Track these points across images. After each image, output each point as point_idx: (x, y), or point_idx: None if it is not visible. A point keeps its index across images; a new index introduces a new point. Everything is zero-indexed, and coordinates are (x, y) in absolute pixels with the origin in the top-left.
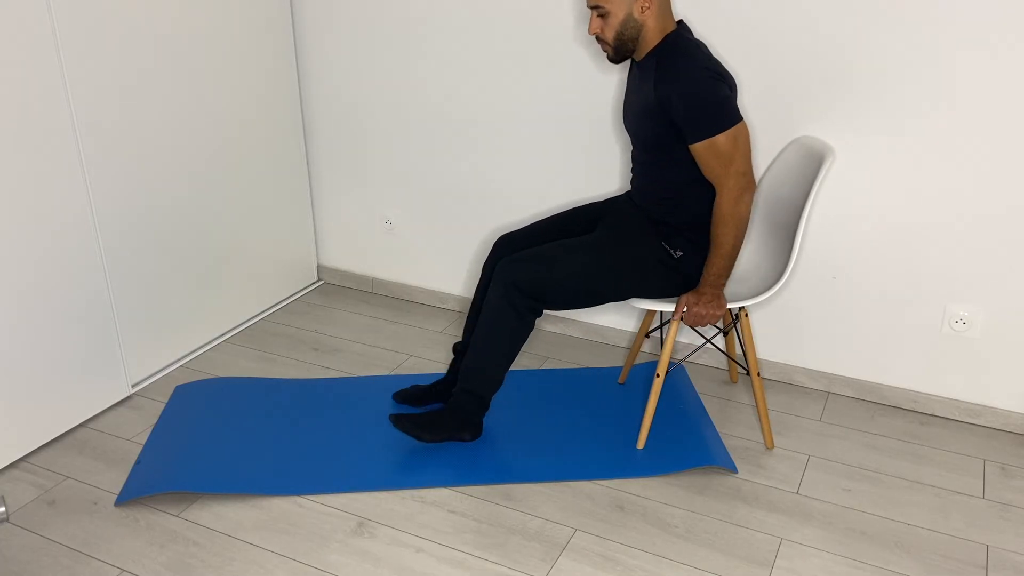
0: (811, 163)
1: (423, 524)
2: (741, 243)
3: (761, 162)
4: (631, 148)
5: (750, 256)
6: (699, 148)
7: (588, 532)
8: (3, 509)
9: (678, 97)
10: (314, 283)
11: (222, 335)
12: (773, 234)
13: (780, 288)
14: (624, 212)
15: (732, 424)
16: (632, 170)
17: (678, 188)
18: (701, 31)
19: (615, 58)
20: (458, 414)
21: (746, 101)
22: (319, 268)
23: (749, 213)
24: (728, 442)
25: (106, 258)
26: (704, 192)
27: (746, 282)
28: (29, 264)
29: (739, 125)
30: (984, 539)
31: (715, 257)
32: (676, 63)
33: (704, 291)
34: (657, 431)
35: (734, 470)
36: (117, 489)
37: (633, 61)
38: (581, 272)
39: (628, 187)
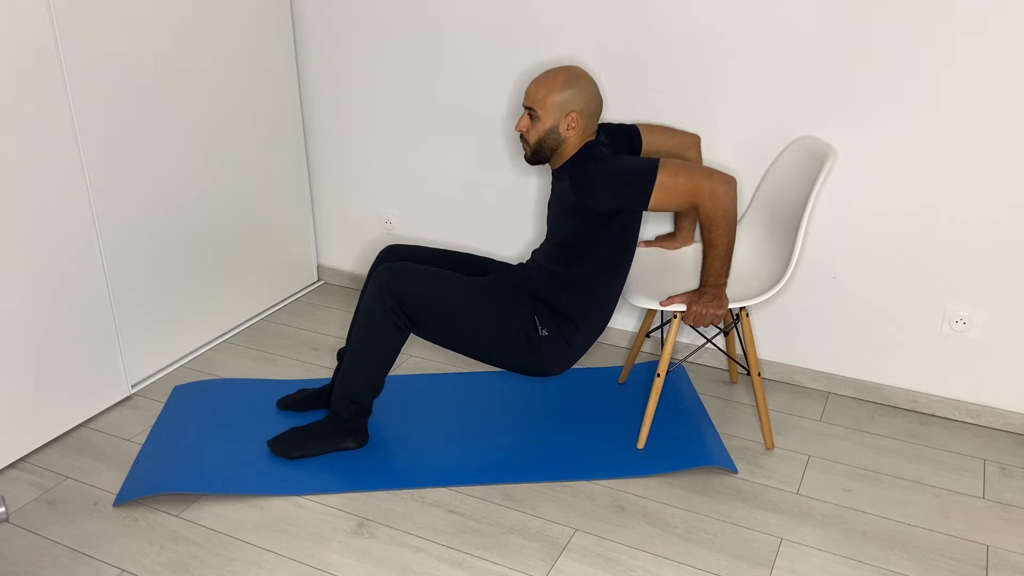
0: (812, 164)
1: (423, 524)
2: (734, 240)
3: (762, 163)
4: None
5: (750, 256)
6: (656, 201)
7: (588, 532)
8: (3, 509)
9: (605, 190)
10: (314, 283)
11: (222, 335)
12: (773, 234)
13: (781, 288)
14: (514, 277)
15: (732, 424)
16: (538, 248)
17: (569, 280)
18: (701, 32)
19: (531, 159)
20: (338, 423)
21: (747, 102)
22: (319, 268)
23: (735, 206)
24: (728, 442)
25: (106, 258)
26: (593, 296)
27: (747, 282)
28: (29, 264)
29: (662, 160)
30: (984, 539)
31: (710, 258)
32: (587, 168)
33: (705, 290)
34: (657, 431)
35: (734, 470)
36: (117, 489)
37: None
38: (450, 307)
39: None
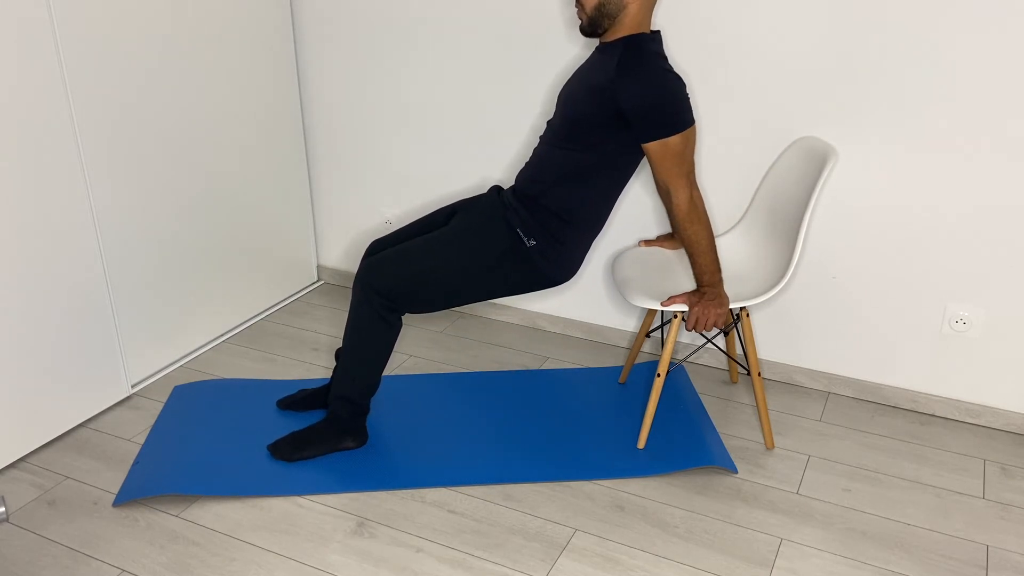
0: (813, 164)
1: (423, 524)
2: (713, 236)
3: (763, 163)
4: (549, 119)
5: (750, 256)
6: (653, 147)
7: (588, 532)
8: (3, 509)
9: (640, 94)
10: (314, 283)
11: (222, 335)
12: (774, 234)
13: (781, 288)
14: (480, 205)
15: (732, 424)
16: (537, 144)
17: (569, 172)
18: (701, 33)
19: (587, 29)
20: (336, 423)
21: (747, 102)
22: (319, 268)
23: (704, 207)
24: (728, 442)
25: (106, 258)
26: (587, 191)
27: (747, 282)
28: (29, 264)
29: (693, 127)
30: (984, 539)
31: (696, 256)
32: (641, 59)
33: (703, 291)
34: (657, 431)
35: (734, 470)
36: (117, 489)
37: (597, 44)
38: (430, 270)
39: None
